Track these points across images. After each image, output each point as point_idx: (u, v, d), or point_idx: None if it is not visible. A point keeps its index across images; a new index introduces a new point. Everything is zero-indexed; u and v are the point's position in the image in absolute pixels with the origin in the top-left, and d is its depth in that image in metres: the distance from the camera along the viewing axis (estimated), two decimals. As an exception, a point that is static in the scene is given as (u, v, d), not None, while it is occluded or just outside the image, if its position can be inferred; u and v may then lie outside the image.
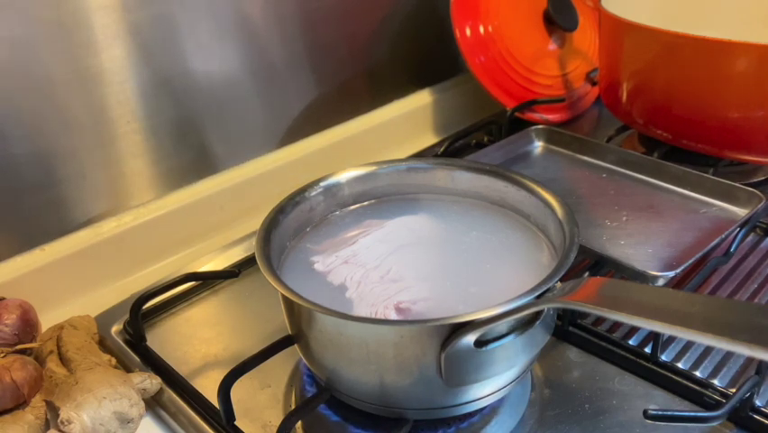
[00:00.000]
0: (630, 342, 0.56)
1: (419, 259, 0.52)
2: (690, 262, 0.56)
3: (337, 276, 0.51)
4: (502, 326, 0.42)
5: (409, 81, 0.97)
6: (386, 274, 0.50)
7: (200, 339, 0.61)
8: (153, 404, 0.55)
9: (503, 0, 0.92)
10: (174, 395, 0.54)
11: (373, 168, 0.59)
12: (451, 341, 0.40)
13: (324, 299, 0.44)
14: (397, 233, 0.55)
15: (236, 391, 0.49)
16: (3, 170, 0.62)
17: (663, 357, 0.54)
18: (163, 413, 0.54)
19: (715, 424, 0.48)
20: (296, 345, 0.50)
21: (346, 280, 0.50)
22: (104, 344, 0.60)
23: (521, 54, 0.93)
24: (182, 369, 0.57)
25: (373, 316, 0.47)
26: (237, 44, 0.76)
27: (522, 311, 0.40)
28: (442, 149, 0.85)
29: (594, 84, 0.97)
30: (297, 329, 0.48)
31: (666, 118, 0.78)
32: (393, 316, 0.46)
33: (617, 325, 0.58)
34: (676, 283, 0.60)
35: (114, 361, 0.57)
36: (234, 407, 0.50)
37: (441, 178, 0.59)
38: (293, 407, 0.52)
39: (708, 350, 0.55)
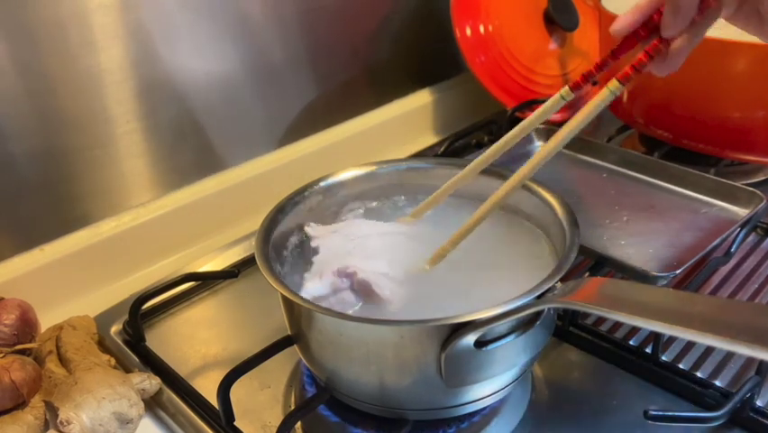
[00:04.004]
0: (631, 342, 0.56)
1: (409, 251, 0.52)
2: (691, 262, 0.55)
3: (317, 241, 0.52)
4: (502, 326, 0.41)
5: (409, 81, 0.97)
6: (362, 244, 0.51)
7: (199, 339, 0.61)
8: (152, 404, 0.55)
9: (503, 0, 0.92)
10: (173, 395, 0.54)
11: (373, 168, 0.59)
12: (451, 341, 0.40)
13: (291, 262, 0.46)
14: (395, 226, 0.55)
15: (236, 392, 0.49)
16: (2, 170, 0.62)
17: (664, 358, 0.54)
18: (162, 413, 0.54)
19: (715, 424, 0.48)
20: (295, 346, 0.49)
21: (320, 247, 0.51)
22: (103, 344, 0.60)
23: (521, 54, 0.93)
24: (181, 369, 0.57)
25: (317, 279, 0.48)
26: (237, 44, 0.76)
27: (522, 311, 0.40)
28: (442, 149, 0.85)
29: (594, 83, 0.96)
30: (297, 329, 0.48)
31: (667, 118, 0.77)
32: (329, 279, 0.47)
33: (617, 325, 0.58)
34: (677, 283, 0.60)
35: (113, 361, 0.57)
36: (234, 407, 0.50)
37: (441, 178, 0.59)
38: (293, 407, 0.52)
39: (708, 350, 0.55)
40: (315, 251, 0.51)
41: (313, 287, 0.48)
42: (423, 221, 0.56)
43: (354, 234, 0.53)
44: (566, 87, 0.47)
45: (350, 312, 0.48)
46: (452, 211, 0.58)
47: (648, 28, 0.43)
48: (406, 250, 0.53)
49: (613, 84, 0.44)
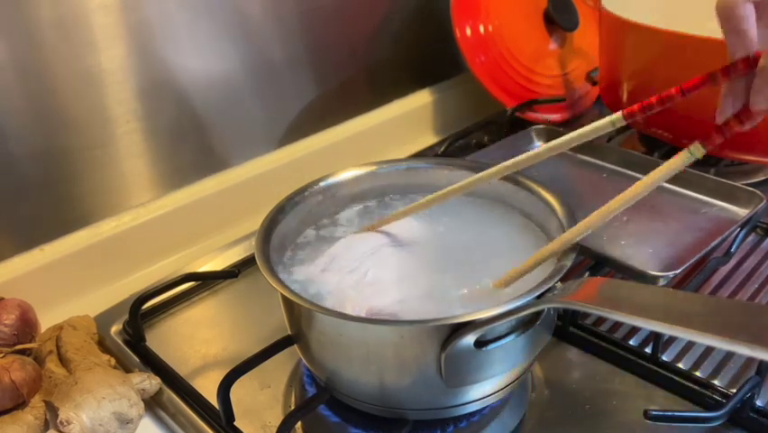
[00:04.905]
0: (631, 342, 0.56)
1: (406, 260, 0.52)
2: (691, 262, 0.55)
3: (315, 287, 0.50)
4: (502, 326, 0.41)
5: (409, 81, 0.97)
6: (362, 278, 0.49)
7: (199, 339, 0.61)
8: (153, 404, 0.55)
9: (503, 0, 0.92)
10: (173, 395, 0.54)
11: (373, 168, 0.59)
12: (451, 341, 0.40)
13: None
14: (391, 233, 0.55)
15: (236, 392, 0.49)
16: (2, 170, 0.62)
17: (664, 357, 0.54)
18: (162, 413, 0.54)
19: (715, 424, 0.48)
20: (295, 346, 0.49)
21: (321, 290, 0.49)
22: (103, 344, 0.60)
23: (521, 54, 0.93)
24: (181, 369, 0.57)
25: None
26: (237, 44, 0.76)
27: (522, 311, 0.40)
28: (442, 149, 0.85)
29: (594, 83, 0.97)
30: (297, 330, 0.48)
31: (667, 118, 0.77)
32: None
33: (617, 325, 0.58)
34: (676, 283, 0.60)
35: (113, 361, 0.57)
36: (234, 407, 0.50)
37: (441, 178, 0.59)
38: (293, 407, 0.52)
39: (708, 350, 0.55)
40: (319, 297, 0.49)
41: None
42: (403, 223, 0.55)
43: (345, 265, 0.51)
44: (620, 114, 0.42)
45: None
46: (453, 210, 0.58)
47: (728, 74, 0.39)
48: (406, 260, 0.52)
49: (695, 146, 0.40)
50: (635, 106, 0.41)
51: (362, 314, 0.46)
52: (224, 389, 0.49)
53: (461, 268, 0.51)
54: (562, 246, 0.45)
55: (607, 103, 0.86)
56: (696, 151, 0.39)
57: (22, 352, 0.56)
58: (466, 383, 0.43)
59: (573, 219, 0.49)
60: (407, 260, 0.52)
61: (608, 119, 0.42)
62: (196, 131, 0.75)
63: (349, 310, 0.46)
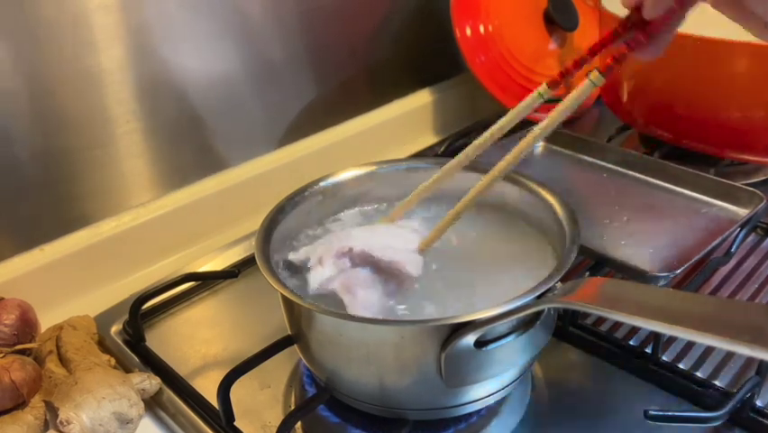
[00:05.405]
0: (631, 342, 0.56)
1: (397, 234, 0.52)
2: (691, 262, 0.55)
3: (301, 254, 0.51)
4: (502, 326, 0.41)
5: (409, 81, 0.97)
6: (347, 240, 0.50)
7: (199, 339, 0.61)
8: (152, 404, 0.55)
9: (503, 0, 0.92)
10: (173, 395, 0.54)
11: (373, 168, 0.59)
12: (451, 341, 0.40)
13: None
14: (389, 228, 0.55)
15: (236, 392, 0.49)
16: (2, 170, 0.62)
17: (664, 358, 0.54)
18: (162, 413, 0.54)
19: (715, 424, 0.48)
20: (295, 346, 0.49)
21: (309, 256, 0.50)
22: (103, 344, 0.60)
23: (521, 54, 0.92)
24: (181, 369, 0.57)
25: (319, 267, 0.47)
26: (237, 44, 0.76)
27: (522, 311, 0.40)
28: (442, 149, 0.85)
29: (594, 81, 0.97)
30: (297, 329, 0.48)
31: (667, 118, 0.77)
32: (330, 261, 0.47)
33: (617, 325, 0.58)
34: (677, 283, 0.60)
35: (113, 361, 0.57)
36: (234, 407, 0.50)
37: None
38: (293, 407, 0.52)
39: (708, 350, 0.55)
40: (306, 266, 0.50)
41: (317, 274, 0.47)
42: (408, 219, 0.56)
43: (339, 237, 0.52)
44: (544, 85, 0.47)
45: (368, 287, 0.47)
46: (444, 208, 0.57)
47: (625, 26, 0.45)
48: (396, 234, 0.52)
49: (594, 75, 0.44)
50: (558, 75, 0.48)
51: (333, 252, 0.47)
52: (224, 389, 0.49)
53: (472, 268, 0.51)
54: (476, 196, 0.48)
55: (607, 103, 0.86)
56: (597, 80, 0.44)
57: (23, 352, 0.56)
58: (466, 383, 0.43)
59: (574, 219, 0.49)
60: (398, 233, 0.52)
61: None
62: (196, 131, 0.75)
63: (327, 251, 0.47)
